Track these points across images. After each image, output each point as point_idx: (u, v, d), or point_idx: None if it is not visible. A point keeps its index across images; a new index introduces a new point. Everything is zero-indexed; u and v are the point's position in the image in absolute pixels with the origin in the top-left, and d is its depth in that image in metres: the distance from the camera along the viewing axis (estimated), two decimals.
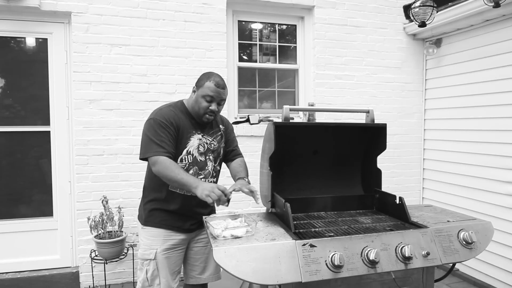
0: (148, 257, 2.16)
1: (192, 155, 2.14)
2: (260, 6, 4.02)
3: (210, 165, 2.22)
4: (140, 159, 2.08)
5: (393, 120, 4.34)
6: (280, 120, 2.16)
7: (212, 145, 2.23)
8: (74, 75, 3.46)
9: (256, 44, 4.17)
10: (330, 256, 1.75)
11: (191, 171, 2.13)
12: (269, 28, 4.23)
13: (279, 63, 4.23)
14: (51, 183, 3.58)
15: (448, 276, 2.16)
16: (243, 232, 1.85)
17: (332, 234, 1.83)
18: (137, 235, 3.04)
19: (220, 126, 2.33)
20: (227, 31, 3.87)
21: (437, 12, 3.40)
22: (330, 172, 2.45)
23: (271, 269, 1.72)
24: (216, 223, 1.91)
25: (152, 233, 2.18)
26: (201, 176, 2.17)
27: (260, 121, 4.07)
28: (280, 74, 4.26)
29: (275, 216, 2.18)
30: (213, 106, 2.12)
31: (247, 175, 2.31)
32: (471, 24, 3.67)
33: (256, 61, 4.17)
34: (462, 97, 3.88)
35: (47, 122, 3.56)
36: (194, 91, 2.18)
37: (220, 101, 2.16)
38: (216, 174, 2.29)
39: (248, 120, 4.12)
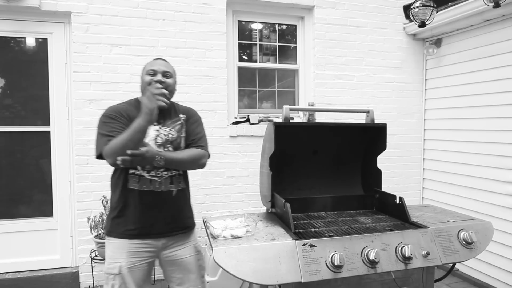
0: (113, 271, 1.99)
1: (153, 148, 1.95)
2: (260, 6, 4.02)
3: None
4: (97, 158, 1.92)
5: (393, 120, 4.34)
6: (280, 120, 2.16)
7: (170, 135, 2.06)
8: (74, 75, 3.46)
9: (256, 44, 4.17)
10: (330, 256, 1.76)
11: (148, 165, 1.98)
12: (269, 28, 4.23)
13: (279, 63, 4.23)
14: (51, 183, 3.58)
15: (448, 276, 2.16)
16: (243, 232, 1.85)
17: (332, 234, 1.83)
18: None
19: (180, 115, 2.14)
20: (227, 31, 3.87)
21: (437, 12, 3.41)
22: (330, 172, 2.45)
23: (271, 269, 1.72)
24: (216, 223, 1.91)
25: (116, 244, 2.01)
26: (162, 170, 2.02)
27: (260, 121, 4.07)
28: (280, 74, 4.26)
29: (275, 216, 2.18)
30: (158, 77, 2.01)
31: (173, 156, 1.98)
32: (471, 24, 3.67)
33: (256, 61, 4.17)
34: (462, 97, 3.88)
35: (47, 122, 3.56)
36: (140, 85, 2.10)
37: (165, 73, 2.03)
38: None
39: (248, 120, 4.13)
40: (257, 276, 1.73)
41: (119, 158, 1.70)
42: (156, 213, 2.04)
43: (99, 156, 1.91)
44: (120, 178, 2.02)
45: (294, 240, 1.73)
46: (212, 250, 1.73)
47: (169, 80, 2.05)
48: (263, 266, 1.72)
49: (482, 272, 3.64)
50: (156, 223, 2.04)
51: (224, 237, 1.80)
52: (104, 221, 2.18)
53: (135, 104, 2.06)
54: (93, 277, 3.47)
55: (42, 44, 3.54)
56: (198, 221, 3.68)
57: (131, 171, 1.99)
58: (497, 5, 2.91)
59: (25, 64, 3.54)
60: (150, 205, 2.03)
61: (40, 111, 3.56)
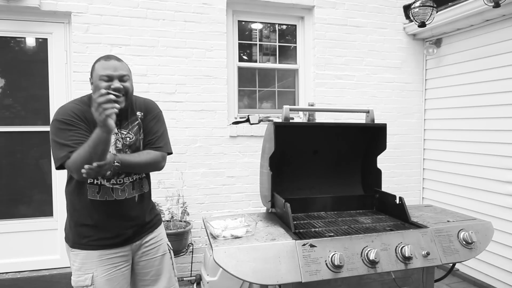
0: (84, 283, 1.82)
1: (110, 152, 1.74)
2: (260, 6, 4.02)
3: None
4: (57, 169, 1.78)
5: (393, 120, 4.34)
6: (280, 120, 2.16)
7: (128, 138, 1.89)
8: (74, 75, 3.46)
9: (256, 44, 4.17)
10: (330, 256, 1.75)
11: (108, 172, 1.76)
12: (269, 28, 4.23)
13: (279, 63, 4.23)
14: (51, 183, 3.59)
15: (448, 276, 2.16)
16: (243, 232, 1.85)
17: (332, 234, 1.83)
18: None
19: (138, 113, 1.95)
20: (227, 31, 3.87)
21: (437, 12, 3.41)
22: (330, 172, 2.45)
23: (271, 269, 1.72)
24: (216, 223, 1.91)
25: (83, 255, 1.86)
26: (122, 176, 1.88)
27: (260, 121, 4.07)
28: (280, 74, 4.26)
29: (275, 216, 2.18)
30: (116, 84, 1.75)
31: (129, 159, 1.82)
32: (471, 24, 3.67)
33: (256, 61, 4.17)
34: (462, 97, 3.88)
35: (47, 122, 3.56)
36: (91, 83, 1.84)
37: (122, 77, 1.78)
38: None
39: (248, 120, 4.13)
40: (257, 276, 1.73)
41: (84, 171, 1.54)
42: (121, 222, 1.91)
43: (60, 167, 1.76)
44: (78, 187, 1.88)
45: (294, 240, 1.73)
46: (212, 250, 1.73)
47: (127, 84, 1.80)
48: (263, 266, 1.72)
49: (482, 272, 3.64)
50: (122, 232, 1.92)
51: (224, 237, 1.79)
52: (64, 230, 2.00)
53: (89, 102, 1.84)
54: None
55: (42, 44, 3.54)
56: (198, 221, 3.69)
57: (89, 180, 1.84)
58: (497, 5, 2.91)
59: (25, 64, 3.55)
60: (114, 215, 1.88)
61: (40, 111, 3.57)
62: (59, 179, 3.59)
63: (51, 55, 3.54)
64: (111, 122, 1.58)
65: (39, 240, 3.57)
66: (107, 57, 1.81)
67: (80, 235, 1.88)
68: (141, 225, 2.01)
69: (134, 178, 1.95)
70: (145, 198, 2.04)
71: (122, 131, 1.88)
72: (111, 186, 1.87)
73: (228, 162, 3.88)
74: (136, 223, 1.98)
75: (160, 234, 2.12)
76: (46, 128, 3.56)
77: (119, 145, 1.87)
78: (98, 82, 1.76)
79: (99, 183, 1.85)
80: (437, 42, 4.19)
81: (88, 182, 1.85)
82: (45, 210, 3.60)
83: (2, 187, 3.55)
